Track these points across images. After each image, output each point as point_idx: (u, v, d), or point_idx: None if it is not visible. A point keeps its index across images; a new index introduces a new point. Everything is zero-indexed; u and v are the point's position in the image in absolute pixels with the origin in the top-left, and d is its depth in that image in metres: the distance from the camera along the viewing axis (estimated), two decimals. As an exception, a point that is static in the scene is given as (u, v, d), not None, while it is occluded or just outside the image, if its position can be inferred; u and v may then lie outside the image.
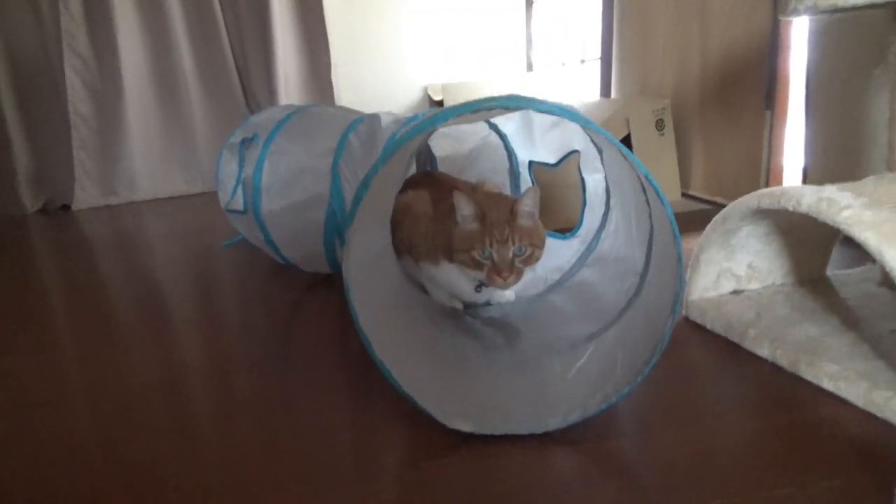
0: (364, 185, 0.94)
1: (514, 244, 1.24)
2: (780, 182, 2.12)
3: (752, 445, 0.90)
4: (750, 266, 1.35)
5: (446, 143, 1.88)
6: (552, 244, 1.59)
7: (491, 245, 1.24)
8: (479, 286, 1.40)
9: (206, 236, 2.78)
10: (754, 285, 1.38)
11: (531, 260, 1.27)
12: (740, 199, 1.17)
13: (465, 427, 0.96)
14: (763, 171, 2.12)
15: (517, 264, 1.25)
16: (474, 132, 1.79)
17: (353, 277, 0.96)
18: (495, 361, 1.23)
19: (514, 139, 1.71)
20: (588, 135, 1.41)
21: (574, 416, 0.96)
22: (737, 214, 1.19)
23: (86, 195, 4.04)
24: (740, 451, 0.89)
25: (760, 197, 1.12)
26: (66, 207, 4.04)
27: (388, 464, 0.93)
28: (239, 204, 1.90)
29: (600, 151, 1.41)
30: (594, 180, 1.49)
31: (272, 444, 0.99)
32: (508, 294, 1.51)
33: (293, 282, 1.88)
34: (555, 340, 1.26)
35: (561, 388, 1.06)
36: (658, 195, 0.87)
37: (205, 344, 1.49)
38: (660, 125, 2.45)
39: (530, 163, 1.69)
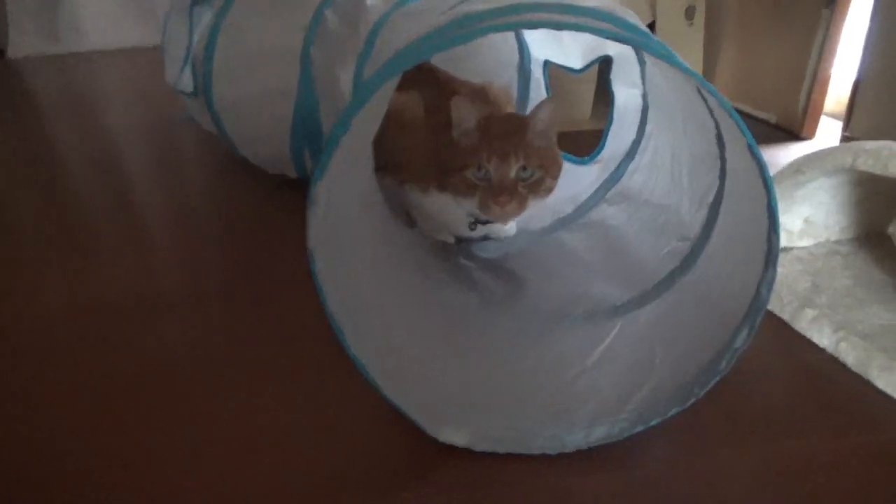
0: (342, 125, 0.66)
1: (517, 161, 0.98)
2: (823, 95, 1.84)
3: (818, 477, 0.71)
4: (806, 220, 1.12)
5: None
6: (564, 167, 1.33)
7: (489, 160, 0.98)
8: (474, 223, 1.14)
9: (161, 102, 2.39)
10: (805, 242, 1.15)
11: (539, 189, 1.02)
12: (826, 153, 0.92)
13: (460, 440, 0.76)
14: (807, 80, 1.82)
15: (520, 189, 0.99)
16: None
17: (323, 246, 0.70)
18: (496, 324, 1.01)
19: (529, 32, 1.38)
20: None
21: (598, 434, 0.76)
22: (817, 168, 0.93)
23: (23, 40, 3.54)
24: (802, 484, 0.70)
25: (857, 154, 0.86)
26: (1, 54, 3.56)
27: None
28: (189, 84, 1.57)
29: (642, 63, 1.11)
30: (628, 94, 1.20)
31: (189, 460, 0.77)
32: (508, 226, 1.26)
33: (257, 178, 1.59)
34: (569, 300, 1.03)
35: (580, 379, 0.85)
36: (750, 147, 0.61)
37: (132, 268, 1.23)
38: (690, 13, 2.10)
39: (546, 63, 1.37)
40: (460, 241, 1.25)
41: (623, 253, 1.08)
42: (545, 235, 1.25)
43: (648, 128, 1.14)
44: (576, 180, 1.30)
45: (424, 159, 1.12)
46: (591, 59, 1.24)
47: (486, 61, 1.49)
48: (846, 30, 1.79)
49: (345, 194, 0.81)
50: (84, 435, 0.80)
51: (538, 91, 1.43)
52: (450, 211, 1.14)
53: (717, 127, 0.76)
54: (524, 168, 1.00)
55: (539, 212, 1.29)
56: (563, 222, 1.26)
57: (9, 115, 2.38)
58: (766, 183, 0.60)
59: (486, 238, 1.26)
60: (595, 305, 0.98)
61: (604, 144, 1.28)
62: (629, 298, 0.94)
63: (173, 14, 1.65)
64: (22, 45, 3.64)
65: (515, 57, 1.46)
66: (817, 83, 1.82)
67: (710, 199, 0.84)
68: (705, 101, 0.77)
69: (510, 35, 1.44)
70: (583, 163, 1.30)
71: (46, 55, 3.60)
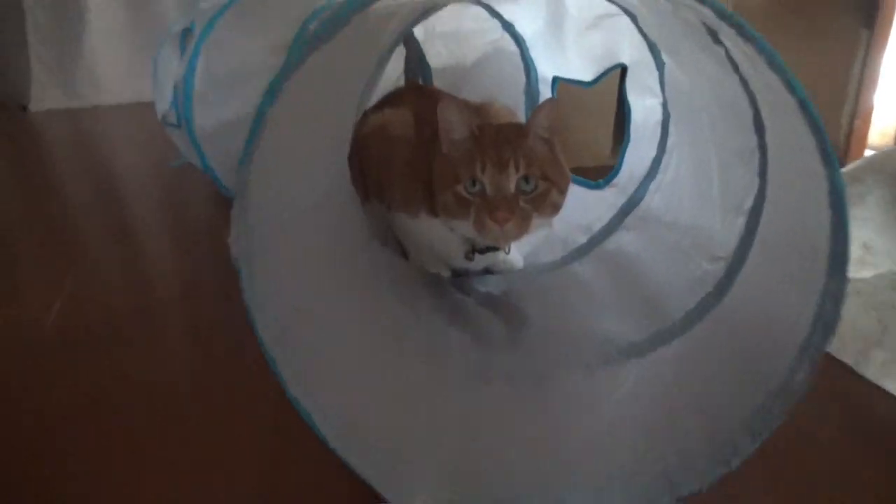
0: (269, 94, 0.52)
1: (517, 171, 0.84)
2: (867, 125, 1.67)
3: None
4: (865, 246, 0.94)
5: (444, 49, 1.42)
6: (576, 193, 1.17)
7: (483, 170, 0.85)
8: (472, 251, 0.99)
9: (165, 149, 2.34)
10: (865, 272, 0.96)
11: (544, 203, 0.87)
12: (886, 155, 0.74)
13: (436, 512, 0.58)
14: (848, 105, 1.66)
15: (522, 204, 0.85)
16: (482, 32, 1.33)
17: (255, 251, 0.55)
18: (490, 367, 0.84)
19: (535, 45, 1.26)
20: (649, 39, 0.95)
21: (612, 502, 0.57)
22: (878, 175, 0.76)
23: (44, 95, 3.57)
24: None
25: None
26: (24, 109, 3.59)
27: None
28: (174, 116, 1.47)
29: (661, 66, 0.96)
30: (646, 107, 1.05)
31: None
32: (513, 257, 1.10)
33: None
34: (578, 339, 0.86)
35: (589, 434, 0.67)
36: (801, 105, 0.45)
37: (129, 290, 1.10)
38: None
39: (555, 79, 1.24)
40: (458, 274, 1.09)
41: (642, 283, 0.91)
42: (555, 269, 1.09)
43: (670, 141, 0.99)
44: (589, 207, 1.14)
45: (413, 180, 0.98)
46: (604, 68, 1.10)
47: (490, 85, 1.37)
48: (889, 54, 1.63)
49: (292, 203, 0.67)
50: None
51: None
52: (443, 238, 0.99)
53: (755, 105, 0.60)
54: (525, 179, 0.86)
55: (549, 244, 1.14)
56: (576, 255, 1.10)
57: (27, 161, 2.38)
58: (826, 155, 0.44)
59: (487, 272, 1.10)
60: (609, 345, 0.81)
61: (620, 165, 1.13)
62: (650, 335, 0.77)
63: (164, 45, 1.57)
64: (43, 100, 3.66)
65: (521, 78, 1.33)
66: (860, 111, 1.66)
67: (749, 203, 0.68)
68: (743, 82, 0.62)
69: (514, 55, 1.32)
70: (597, 187, 1.15)
71: (66, 109, 3.62)
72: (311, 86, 0.62)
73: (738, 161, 0.68)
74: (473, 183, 0.87)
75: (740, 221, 0.69)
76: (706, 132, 0.81)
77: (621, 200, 1.09)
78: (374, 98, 1.14)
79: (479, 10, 1.25)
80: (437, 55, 1.42)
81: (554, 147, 0.91)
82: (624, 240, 1.04)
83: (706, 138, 0.81)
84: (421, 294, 1.01)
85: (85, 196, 1.86)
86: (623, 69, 1.09)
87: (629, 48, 1.03)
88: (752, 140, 0.64)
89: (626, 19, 0.95)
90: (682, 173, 0.94)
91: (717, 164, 0.79)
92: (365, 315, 0.79)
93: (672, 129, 0.97)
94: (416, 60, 1.42)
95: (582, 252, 1.09)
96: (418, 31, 1.41)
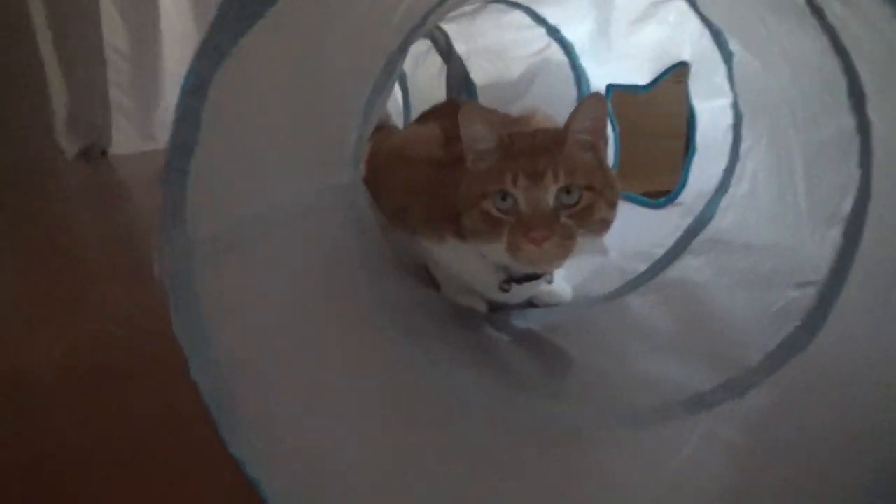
0: (195, 87, 0.41)
1: (555, 182, 0.70)
2: None
3: None
4: None
5: (489, 65, 1.31)
6: (635, 215, 1.02)
7: (515, 182, 0.71)
8: (507, 281, 0.85)
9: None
10: None
11: (591, 218, 0.73)
12: None
13: None
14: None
15: (563, 220, 0.71)
16: (526, 43, 1.20)
17: (195, 269, 0.44)
18: (517, 415, 0.69)
19: (584, 49, 1.12)
20: (713, 25, 0.80)
21: None
22: None
23: (124, 139, 3.73)
24: None
25: None
26: (104, 153, 3.75)
27: None
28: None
29: (728, 57, 0.80)
30: (713, 110, 0.89)
31: None
32: (560, 288, 0.95)
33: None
34: (631, 387, 0.71)
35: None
36: None
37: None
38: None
39: (609, 88, 1.09)
40: (496, 308, 0.94)
41: (711, 319, 0.74)
42: (608, 301, 0.93)
43: (744, 146, 0.82)
44: (650, 230, 0.99)
45: (438, 201, 0.86)
46: (662, 67, 0.95)
47: (538, 100, 1.23)
48: None
49: (258, 214, 0.55)
50: None
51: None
52: (474, 267, 0.86)
53: (850, 73, 0.44)
54: (566, 191, 0.72)
55: (603, 273, 0.99)
56: (634, 284, 0.93)
57: (105, 198, 2.47)
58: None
59: (530, 305, 0.95)
60: (669, 395, 0.65)
61: (685, 181, 0.97)
62: (721, 383, 0.60)
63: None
64: (123, 144, 3.83)
65: (572, 91, 1.20)
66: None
67: (847, 206, 0.51)
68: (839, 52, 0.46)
69: (563, 65, 1.18)
70: (658, 206, 0.99)
71: (142, 152, 3.77)
72: (275, 76, 0.51)
73: (831, 153, 0.52)
74: (504, 198, 0.74)
75: (836, 232, 0.52)
76: (787, 126, 0.64)
77: (687, 221, 0.93)
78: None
79: (522, 17, 1.13)
80: (481, 71, 1.31)
81: (599, 151, 0.76)
82: (690, 267, 0.87)
83: (788, 134, 0.64)
84: (447, 332, 0.87)
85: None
86: (684, 68, 0.93)
87: (689, 41, 0.88)
88: (849, 121, 0.47)
89: (682, 4, 0.80)
90: (758, 183, 0.77)
91: (802, 163, 0.62)
92: (360, 360, 0.66)
93: (745, 131, 0.81)
94: (459, 77, 1.31)
95: (641, 281, 0.92)
96: (460, 47, 1.30)
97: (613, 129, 1.13)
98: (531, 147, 0.75)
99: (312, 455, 0.50)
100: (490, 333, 0.88)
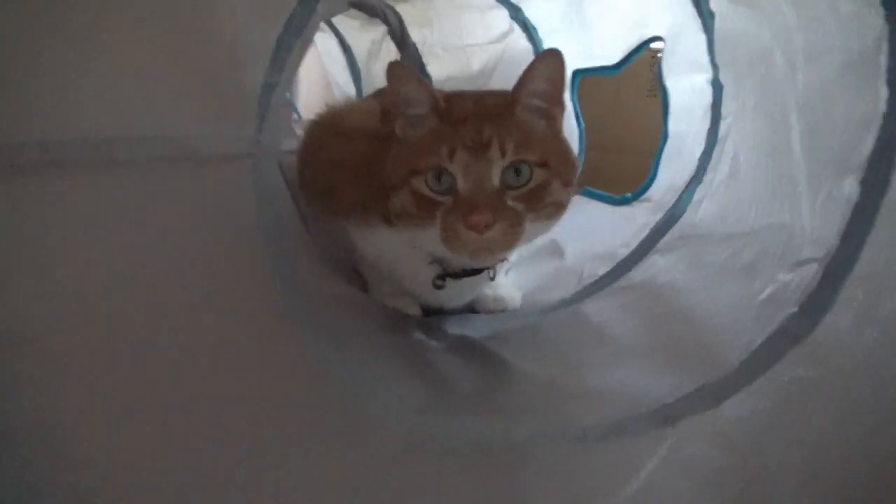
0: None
1: (502, 156, 0.58)
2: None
3: None
4: None
5: (446, 55, 1.19)
6: (596, 213, 0.89)
7: (452, 156, 0.59)
8: (441, 276, 0.71)
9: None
10: None
11: (542, 200, 0.61)
12: None
13: None
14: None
15: (511, 202, 0.59)
16: (487, 28, 1.09)
17: None
18: (438, 431, 0.55)
19: (556, 30, 1.00)
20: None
21: None
22: None
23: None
24: None
25: None
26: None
27: None
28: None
29: (710, 20, 0.69)
30: (690, 89, 0.78)
31: None
32: (507, 292, 0.82)
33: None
34: (584, 400, 0.57)
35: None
36: None
37: None
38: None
39: (575, 74, 0.98)
40: (430, 313, 0.81)
41: (680, 321, 0.61)
42: (563, 311, 0.79)
43: (724, 125, 0.70)
44: (613, 230, 0.87)
45: (367, 180, 0.72)
46: (633, 44, 0.84)
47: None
48: None
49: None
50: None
51: (567, 121, 1.02)
52: (404, 258, 0.73)
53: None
54: (515, 168, 0.59)
55: (557, 277, 0.86)
56: (593, 289, 0.80)
57: None
58: None
59: (472, 310, 0.81)
60: (627, 408, 0.51)
61: (655, 174, 0.84)
62: (689, 392, 0.47)
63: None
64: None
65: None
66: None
67: (869, 144, 0.39)
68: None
69: (527, 53, 1.07)
70: (623, 202, 0.86)
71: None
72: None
73: (844, 82, 0.40)
74: (439, 176, 0.60)
75: (849, 184, 0.40)
76: (782, 73, 0.52)
77: (655, 218, 0.80)
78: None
79: (483, -5, 1.02)
80: (438, 63, 1.20)
81: (555, 121, 0.64)
82: (657, 266, 0.74)
83: (782, 84, 0.52)
84: (369, 334, 0.73)
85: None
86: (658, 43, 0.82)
87: (662, 5, 0.77)
88: (876, 24, 0.35)
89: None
90: (741, 163, 0.64)
91: (801, 113, 0.49)
92: (236, 350, 0.51)
93: (727, 104, 0.69)
94: (414, 67, 1.19)
95: (600, 286, 0.79)
96: (416, 33, 1.19)
97: (579, 124, 1.01)
98: (474, 113, 0.62)
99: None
100: (420, 339, 0.74)
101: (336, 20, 1.34)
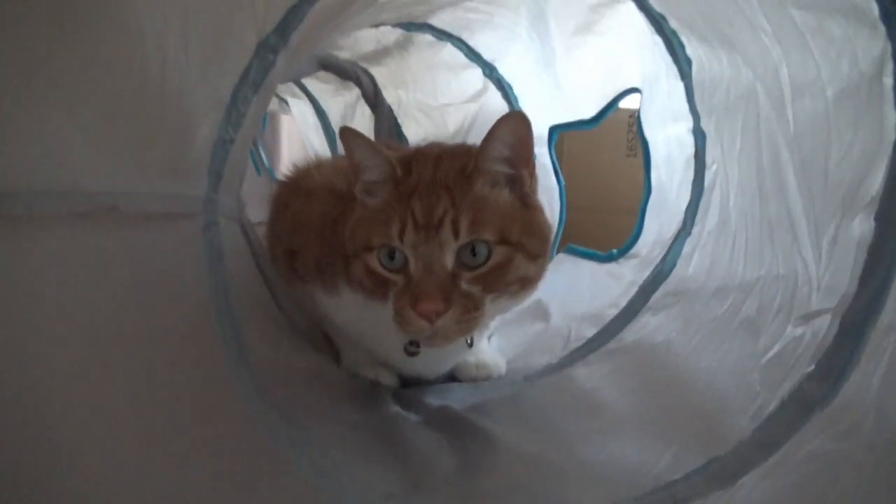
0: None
1: (455, 235, 0.54)
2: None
3: None
4: None
5: (422, 115, 1.17)
6: (580, 272, 0.85)
7: (402, 235, 0.54)
8: (413, 345, 0.65)
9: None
10: None
11: (503, 279, 0.56)
12: None
13: None
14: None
15: (465, 286, 0.54)
16: (462, 88, 1.07)
17: None
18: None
19: (530, 88, 0.97)
20: (666, 25, 0.66)
21: None
22: None
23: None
24: None
25: None
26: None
27: None
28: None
29: (687, 66, 0.66)
30: (669, 139, 0.75)
31: None
32: (489, 359, 0.77)
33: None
34: (575, 480, 0.50)
35: None
36: None
37: None
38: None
39: (552, 132, 0.95)
40: (408, 384, 0.74)
41: (678, 385, 0.55)
42: (550, 374, 0.73)
43: (710, 173, 0.66)
44: (599, 289, 0.82)
45: (332, 241, 0.67)
46: (608, 96, 0.81)
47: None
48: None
49: None
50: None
51: (546, 179, 0.99)
52: (373, 323, 0.67)
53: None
54: (471, 248, 0.54)
55: (542, 342, 0.80)
56: (582, 352, 0.74)
57: None
58: None
59: (453, 379, 0.75)
60: (624, 489, 0.44)
61: (640, 229, 0.80)
62: (697, 468, 0.40)
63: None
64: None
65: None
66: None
67: (878, 177, 0.34)
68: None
69: (502, 109, 1.04)
70: (608, 259, 0.82)
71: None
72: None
73: (843, 112, 0.36)
74: (392, 254, 0.56)
75: (860, 223, 0.35)
76: (769, 111, 0.49)
77: (644, 275, 0.75)
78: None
79: (455, 54, 1.00)
80: (414, 123, 1.17)
81: (523, 184, 0.59)
82: (648, 326, 0.69)
83: (770, 122, 0.49)
84: (338, 409, 0.66)
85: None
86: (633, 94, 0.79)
87: (638, 56, 0.74)
88: (877, 47, 0.31)
89: (627, 6, 0.67)
90: (730, 211, 0.60)
91: (794, 149, 0.45)
92: (184, 430, 0.45)
93: (711, 151, 0.65)
94: (389, 127, 1.17)
95: (589, 349, 0.73)
96: (390, 95, 1.17)
97: (559, 181, 0.98)
98: (429, 184, 0.57)
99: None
100: (395, 412, 0.67)
101: (309, 84, 1.33)
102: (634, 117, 1.49)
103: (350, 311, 0.68)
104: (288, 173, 0.84)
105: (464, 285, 0.54)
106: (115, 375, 0.43)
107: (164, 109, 0.49)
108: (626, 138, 1.53)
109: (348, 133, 0.59)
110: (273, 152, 1.95)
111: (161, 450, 0.42)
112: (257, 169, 1.79)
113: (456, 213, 0.54)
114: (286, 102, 1.60)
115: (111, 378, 0.42)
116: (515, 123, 0.57)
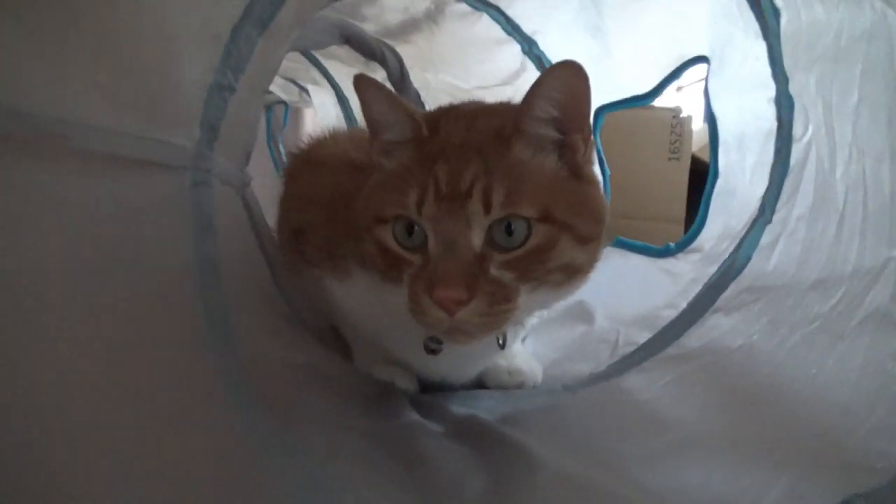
0: None
1: (486, 208, 0.44)
2: None
3: None
4: None
5: (449, 98, 1.07)
6: (631, 268, 0.75)
7: (420, 206, 0.44)
8: (434, 341, 0.54)
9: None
10: None
11: (544, 265, 0.46)
12: None
13: None
14: None
15: (494, 271, 0.44)
16: (496, 68, 0.97)
17: None
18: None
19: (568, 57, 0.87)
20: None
21: None
22: None
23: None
24: None
25: None
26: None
27: None
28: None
29: (775, 16, 0.55)
30: (745, 110, 0.64)
31: None
32: (526, 364, 0.66)
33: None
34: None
35: None
36: None
37: None
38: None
39: (598, 112, 0.85)
40: (430, 389, 0.64)
41: (776, 398, 0.43)
42: (596, 384, 0.62)
43: (799, 148, 0.55)
44: (654, 287, 0.71)
45: (343, 217, 0.57)
46: (670, 67, 0.71)
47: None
48: None
49: None
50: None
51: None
52: (389, 315, 0.57)
53: None
54: (506, 224, 0.44)
55: (583, 347, 0.69)
56: (635, 359, 0.63)
57: None
58: None
59: (481, 386, 0.65)
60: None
61: (704, 219, 0.69)
62: (792, 493, 0.29)
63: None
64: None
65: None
66: None
67: None
68: None
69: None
70: (665, 253, 0.71)
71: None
72: None
73: None
74: (410, 228, 0.45)
75: None
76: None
77: (708, 271, 0.64)
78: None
79: (491, 27, 0.90)
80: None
81: (576, 153, 0.49)
82: (720, 329, 0.57)
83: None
84: (346, 414, 0.56)
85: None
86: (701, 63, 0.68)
87: (707, 14, 0.63)
88: None
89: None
90: (840, 181, 0.49)
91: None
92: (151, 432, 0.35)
93: (801, 122, 0.54)
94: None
95: (643, 356, 0.62)
96: (417, 76, 1.08)
97: (603, 171, 0.87)
98: (458, 146, 0.47)
99: None
100: (414, 421, 0.57)
101: (331, 67, 1.24)
102: (678, 117, 1.39)
103: (362, 298, 0.58)
104: (301, 144, 0.74)
105: (493, 271, 0.44)
106: (62, 352, 0.33)
107: (138, 31, 0.39)
108: (668, 140, 1.41)
109: (365, 82, 0.49)
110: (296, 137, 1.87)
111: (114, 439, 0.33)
112: (277, 169, 1.71)
113: (489, 181, 0.44)
114: (307, 92, 1.52)
115: (59, 356, 0.33)
116: (567, 76, 0.46)
